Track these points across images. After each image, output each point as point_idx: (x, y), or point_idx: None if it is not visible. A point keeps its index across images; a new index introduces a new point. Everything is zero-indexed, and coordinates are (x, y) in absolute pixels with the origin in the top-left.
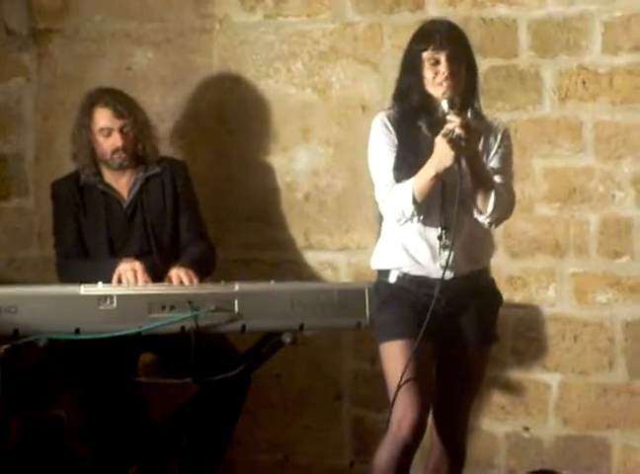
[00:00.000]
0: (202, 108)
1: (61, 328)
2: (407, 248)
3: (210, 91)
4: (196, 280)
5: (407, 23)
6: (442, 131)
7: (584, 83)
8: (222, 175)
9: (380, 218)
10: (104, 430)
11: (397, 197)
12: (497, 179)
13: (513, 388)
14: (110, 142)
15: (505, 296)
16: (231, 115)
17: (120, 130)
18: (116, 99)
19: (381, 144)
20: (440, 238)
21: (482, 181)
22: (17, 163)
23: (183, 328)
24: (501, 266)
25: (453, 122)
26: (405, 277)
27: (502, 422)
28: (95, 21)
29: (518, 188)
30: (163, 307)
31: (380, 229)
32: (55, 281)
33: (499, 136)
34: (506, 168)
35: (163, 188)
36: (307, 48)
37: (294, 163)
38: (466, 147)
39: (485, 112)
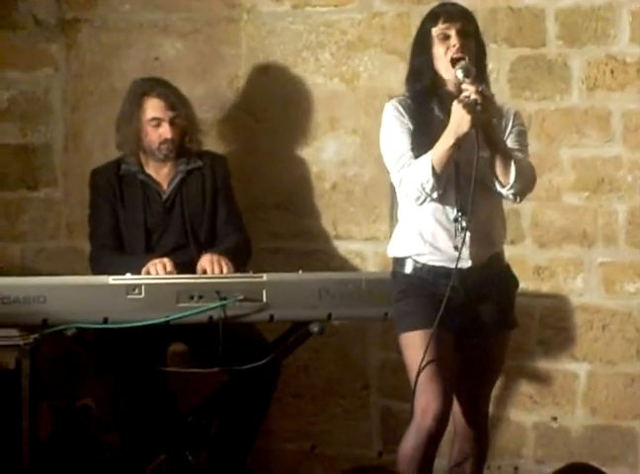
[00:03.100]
0: (230, 98)
1: (90, 317)
2: (423, 234)
3: (238, 81)
4: (230, 268)
5: None
6: (459, 98)
7: (612, 72)
8: (250, 165)
9: (395, 206)
10: (132, 419)
11: (416, 172)
12: (515, 153)
13: (540, 378)
14: (159, 133)
15: (532, 286)
16: (259, 105)
17: (171, 122)
18: (167, 90)
19: (394, 128)
20: (456, 220)
21: (500, 151)
22: (45, 153)
23: (211, 318)
24: (529, 256)
25: (469, 90)
26: (423, 268)
27: (530, 412)
28: (122, 11)
29: (546, 178)
30: (191, 297)
31: (396, 218)
32: (83, 271)
33: (510, 118)
34: (523, 145)
35: (203, 182)
36: (335, 38)
37: (322, 153)
38: (482, 112)
39: (513, 101)
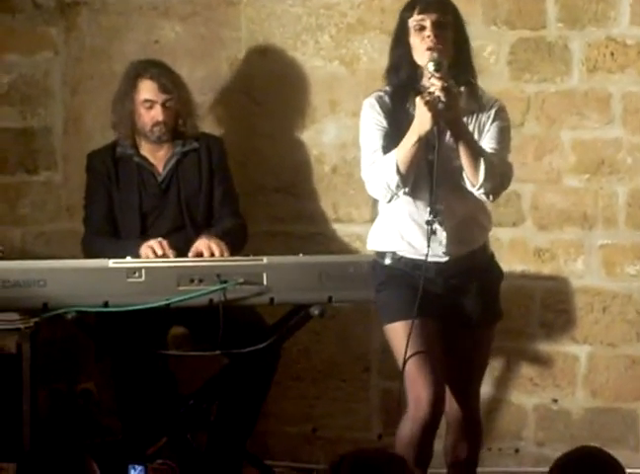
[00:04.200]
0: (230, 81)
1: (90, 301)
2: (400, 231)
3: (238, 64)
4: (226, 252)
5: None
6: (422, 94)
7: (612, 54)
8: (250, 148)
9: (376, 199)
10: (133, 402)
11: (381, 170)
12: (489, 151)
13: (541, 360)
14: (151, 115)
15: (533, 269)
16: (259, 88)
17: (163, 104)
18: (162, 72)
19: (368, 125)
20: (428, 223)
21: (469, 149)
22: (45, 137)
23: (211, 301)
24: (529, 238)
25: (434, 85)
26: (401, 260)
27: (530, 394)
28: None
29: (546, 160)
30: (191, 280)
31: (376, 211)
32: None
33: (492, 112)
34: (500, 142)
35: (199, 163)
36: (335, 21)
37: (322, 136)
38: (446, 110)
39: (513, 83)
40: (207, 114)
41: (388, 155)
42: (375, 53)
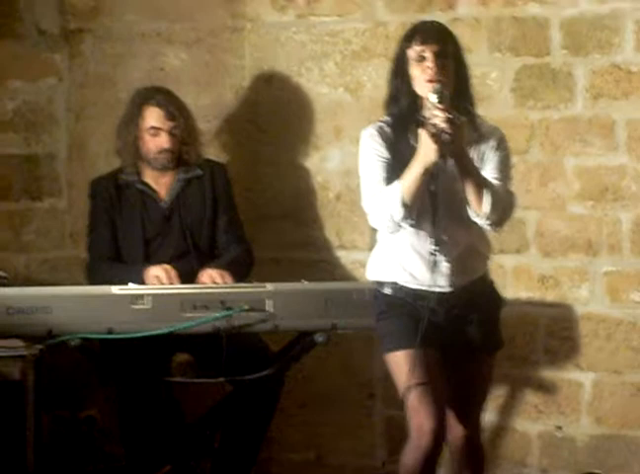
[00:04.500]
0: (235, 108)
1: (95, 328)
2: (401, 262)
3: (243, 91)
4: (230, 281)
5: None
6: (426, 126)
7: (616, 81)
8: (255, 174)
9: (375, 228)
10: (137, 429)
11: (385, 201)
12: (492, 181)
13: (546, 387)
14: (156, 142)
15: (537, 295)
16: (263, 115)
17: (169, 132)
18: (168, 99)
19: (369, 156)
20: (432, 254)
21: (473, 179)
22: (49, 163)
23: (216, 328)
24: (533, 265)
25: (438, 116)
26: (402, 290)
27: (535, 421)
28: (126, 21)
29: (550, 187)
30: (196, 307)
31: (374, 238)
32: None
33: (493, 142)
34: (502, 171)
35: (203, 190)
36: (339, 48)
37: (326, 163)
38: (450, 142)
39: (517, 110)
40: (212, 140)
41: (392, 187)
42: (380, 80)
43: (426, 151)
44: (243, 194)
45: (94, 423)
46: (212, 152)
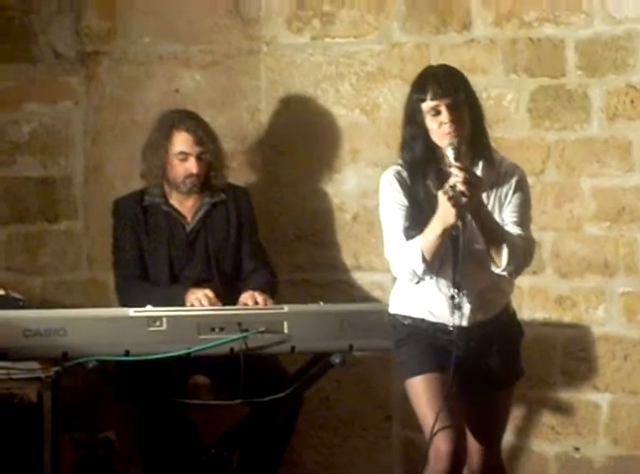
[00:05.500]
0: (251, 130)
1: (111, 350)
2: (424, 300)
3: (259, 113)
4: (270, 303)
5: (454, 43)
6: (444, 187)
7: (632, 102)
8: (271, 196)
9: None
10: (154, 451)
11: (406, 257)
12: (512, 228)
13: (563, 408)
14: (185, 167)
15: (554, 316)
16: (279, 136)
17: (198, 157)
18: (197, 125)
19: (389, 205)
20: (452, 297)
21: (491, 234)
22: (66, 186)
23: (232, 349)
24: (550, 286)
25: (456, 177)
26: (423, 322)
27: (552, 442)
28: (142, 43)
29: (566, 208)
30: (212, 329)
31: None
32: (104, 303)
33: (513, 184)
34: (521, 217)
35: (228, 215)
36: (355, 69)
37: (343, 184)
38: (468, 203)
39: (533, 131)
40: (229, 163)
41: (413, 242)
42: (396, 102)
43: (445, 214)
44: (260, 215)
45: (111, 445)
46: (229, 174)
